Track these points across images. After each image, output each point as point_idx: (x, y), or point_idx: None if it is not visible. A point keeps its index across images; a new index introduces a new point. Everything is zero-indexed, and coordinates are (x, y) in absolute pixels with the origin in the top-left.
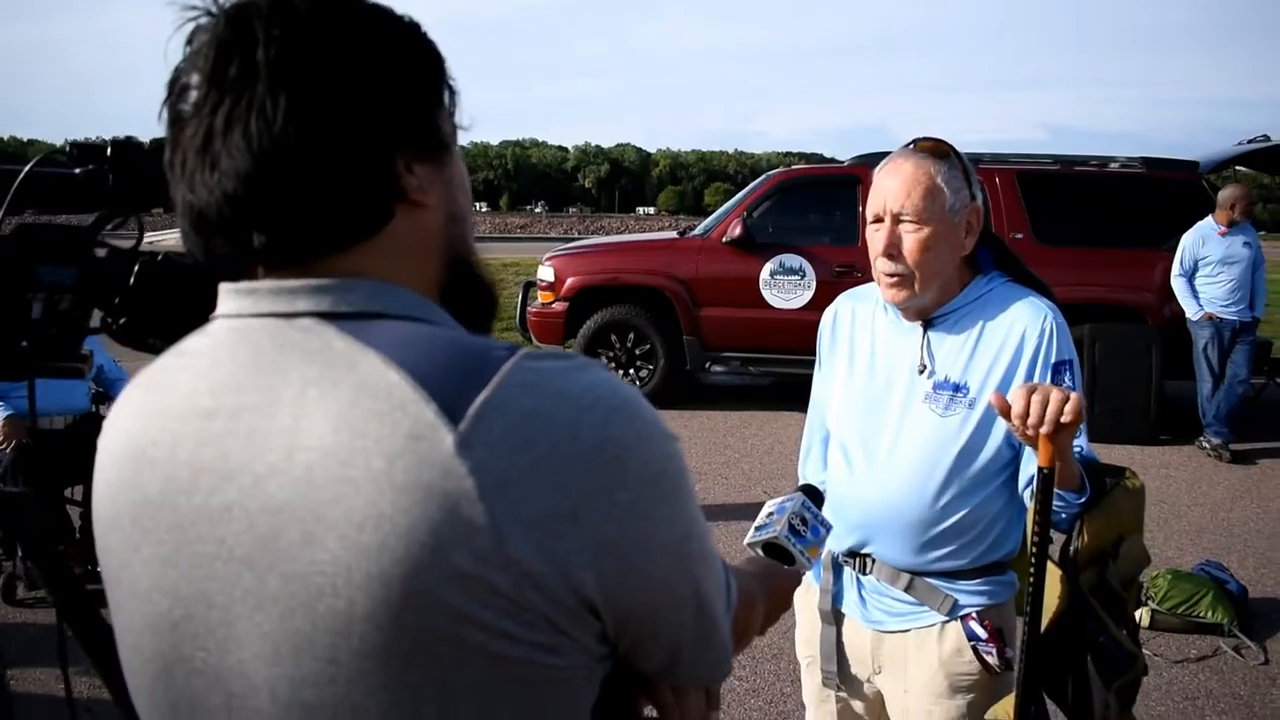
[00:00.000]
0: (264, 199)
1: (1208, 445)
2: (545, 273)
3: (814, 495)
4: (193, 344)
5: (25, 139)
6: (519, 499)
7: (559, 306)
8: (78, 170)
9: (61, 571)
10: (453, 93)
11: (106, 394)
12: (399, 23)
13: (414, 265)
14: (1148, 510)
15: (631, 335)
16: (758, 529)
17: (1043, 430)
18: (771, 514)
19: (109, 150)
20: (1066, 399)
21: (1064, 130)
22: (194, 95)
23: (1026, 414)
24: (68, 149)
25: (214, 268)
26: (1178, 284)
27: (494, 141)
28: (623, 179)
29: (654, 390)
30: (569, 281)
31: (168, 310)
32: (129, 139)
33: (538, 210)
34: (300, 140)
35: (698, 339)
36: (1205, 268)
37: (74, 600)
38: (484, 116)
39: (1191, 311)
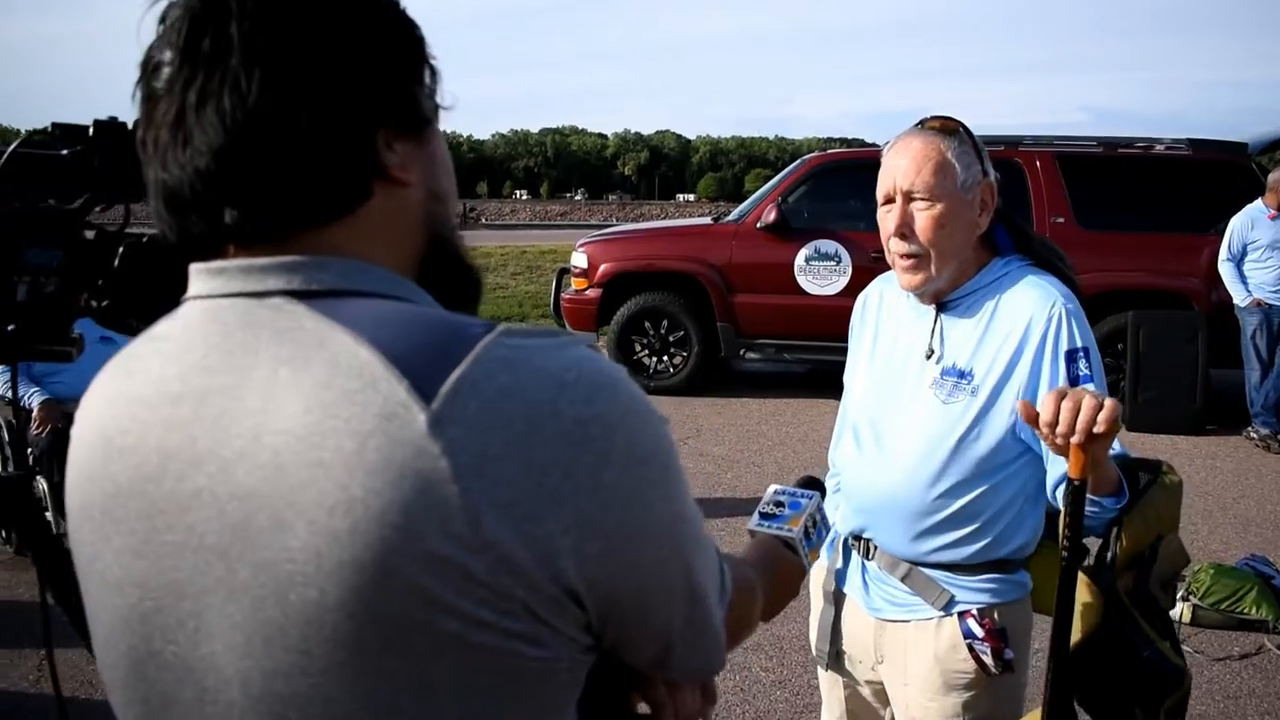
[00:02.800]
0: (237, 174)
1: (1255, 435)
2: (579, 259)
3: (822, 491)
4: (163, 328)
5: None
6: (496, 479)
7: (592, 293)
8: (65, 151)
9: (52, 555)
10: (433, 71)
11: None
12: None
13: (392, 244)
14: (1192, 502)
15: (665, 322)
16: (765, 517)
17: (1074, 440)
18: (781, 504)
19: (90, 131)
20: (1100, 406)
21: (1107, 113)
22: (166, 72)
23: (1056, 421)
24: (51, 128)
25: (186, 248)
26: (1225, 269)
27: (534, 129)
28: (662, 166)
29: (687, 377)
30: (602, 268)
31: (150, 292)
32: (112, 119)
33: (577, 197)
34: (275, 114)
35: (732, 325)
36: (1254, 252)
37: (67, 582)
38: (523, 104)
39: (1239, 297)
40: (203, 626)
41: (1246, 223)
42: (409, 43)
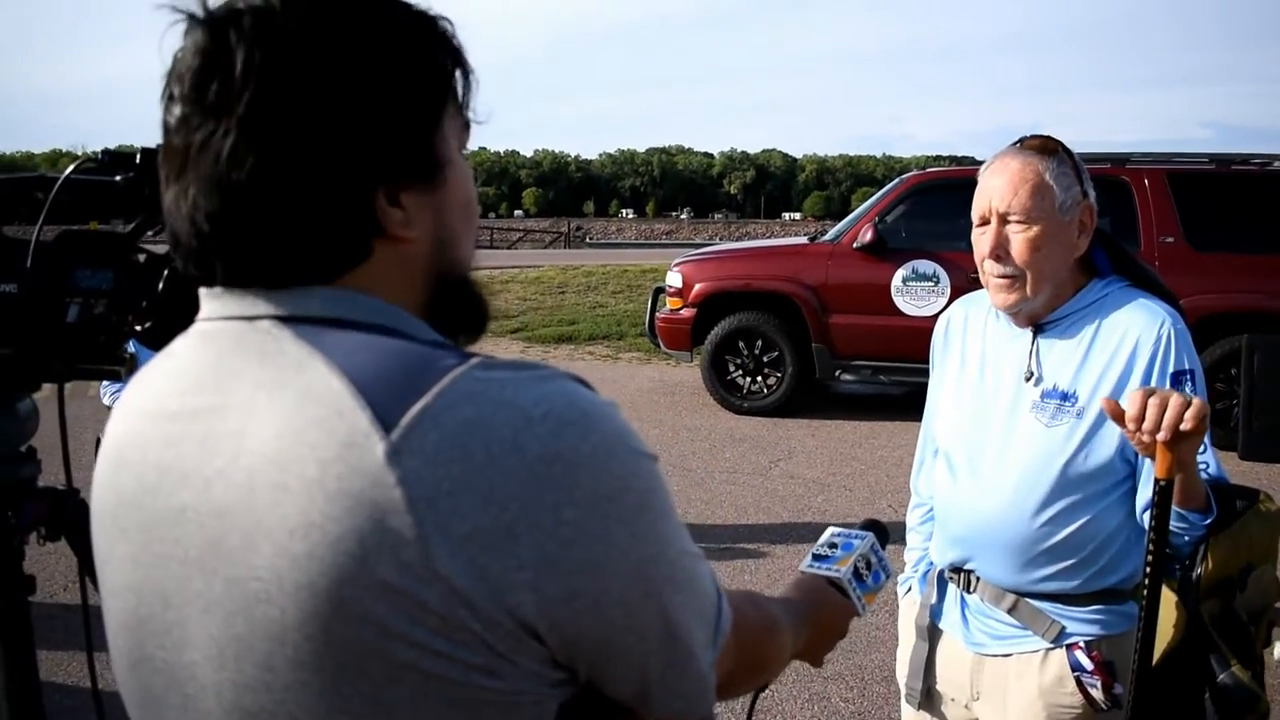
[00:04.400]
0: (228, 237)
1: None
2: (674, 279)
3: (880, 533)
4: (173, 346)
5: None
6: (450, 512)
7: (687, 313)
8: (118, 178)
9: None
10: (467, 86)
11: None
12: (401, 27)
13: (392, 287)
14: None
15: (759, 342)
16: (817, 558)
17: (1160, 437)
18: (834, 545)
19: (139, 158)
20: (1188, 404)
21: (1232, 129)
22: (177, 110)
23: (1142, 418)
24: (99, 154)
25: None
26: None
27: (640, 148)
28: (768, 184)
29: (781, 398)
30: (697, 287)
31: (191, 316)
32: (156, 147)
33: (683, 216)
34: (270, 183)
35: (827, 346)
36: None
37: None
38: (631, 123)
39: None
40: (185, 636)
41: None
42: (432, 82)
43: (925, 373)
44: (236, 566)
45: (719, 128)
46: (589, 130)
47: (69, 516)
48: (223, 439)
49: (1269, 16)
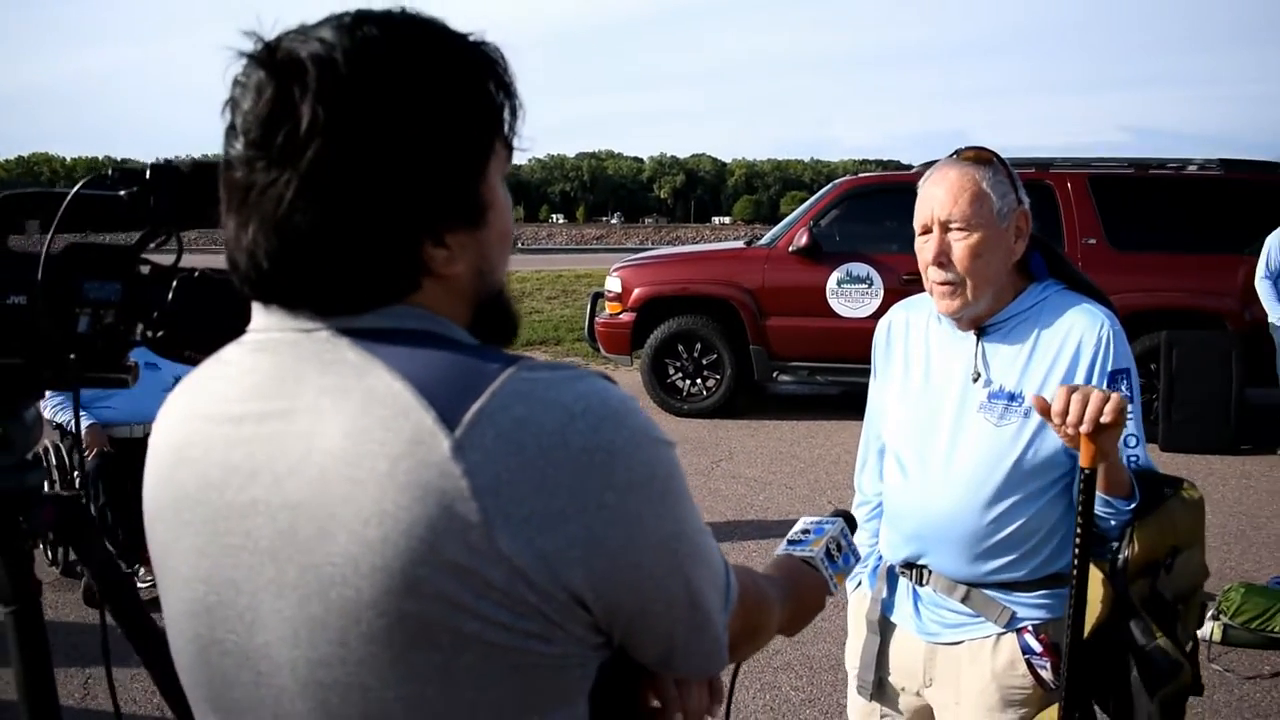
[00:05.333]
0: (287, 276)
1: None
2: (613, 284)
3: (850, 523)
4: (228, 354)
5: (119, 158)
6: (510, 499)
7: (626, 317)
8: (122, 192)
9: (112, 573)
10: (514, 117)
11: None
12: (453, 73)
13: (436, 308)
14: (1225, 522)
15: (698, 345)
16: (791, 543)
17: (1083, 429)
18: (808, 531)
19: (148, 174)
20: (1108, 399)
21: (1147, 132)
22: (240, 146)
23: (1066, 412)
24: (109, 171)
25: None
26: (1262, 286)
27: (570, 154)
28: (698, 189)
29: (721, 400)
30: (636, 292)
31: (202, 324)
32: (167, 162)
33: (613, 221)
34: (328, 231)
35: (764, 348)
36: None
37: (126, 602)
38: (560, 129)
39: (1275, 315)
40: (257, 619)
41: None
42: (481, 130)
43: (860, 373)
44: (311, 554)
45: (649, 133)
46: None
47: (75, 522)
48: (291, 440)
49: (1182, 24)
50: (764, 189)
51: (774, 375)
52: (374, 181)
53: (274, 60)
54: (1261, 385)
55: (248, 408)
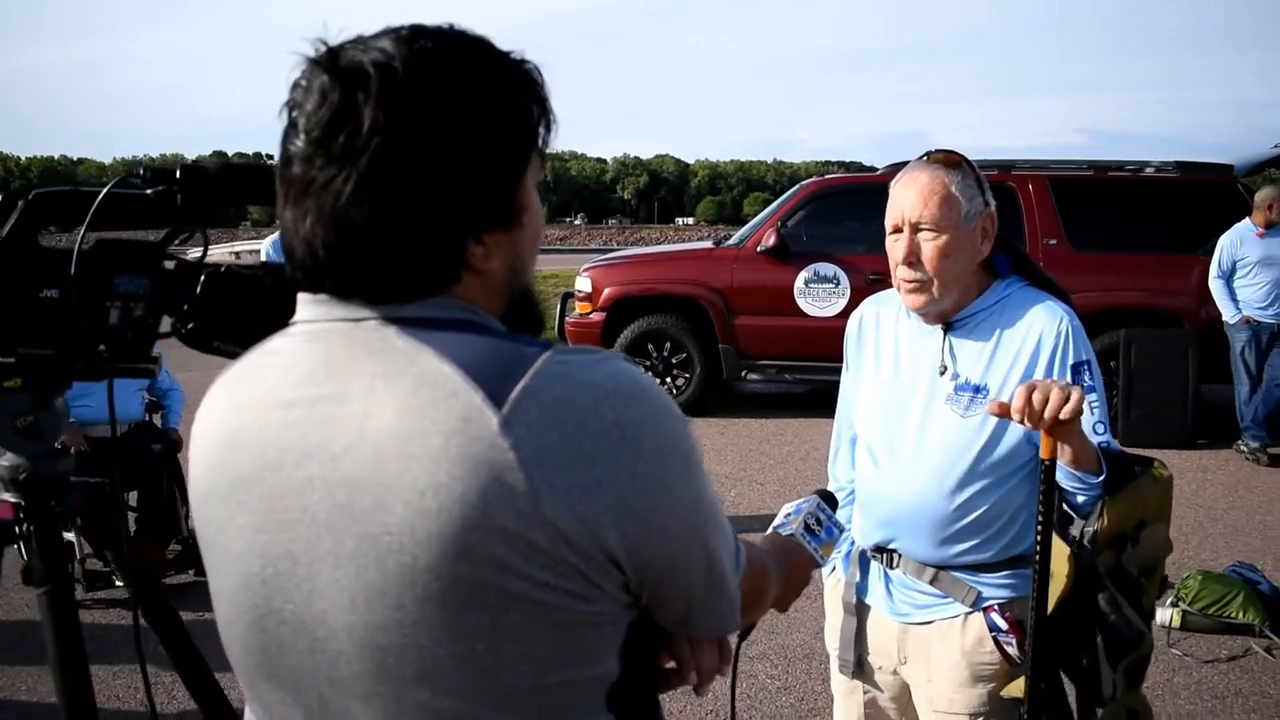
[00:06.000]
0: (341, 263)
1: (1245, 449)
2: (583, 284)
3: (830, 500)
4: (275, 344)
5: (75, 157)
6: (552, 469)
7: (596, 317)
8: (149, 191)
9: (138, 561)
10: (548, 131)
11: (159, 403)
12: (499, 89)
13: (474, 300)
14: (1183, 514)
15: (668, 344)
16: (775, 527)
17: (1043, 426)
18: (789, 514)
19: (178, 174)
20: (1066, 396)
21: (1103, 134)
22: (301, 143)
23: (1026, 409)
24: (142, 172)
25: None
26: (1216, 286)
27: None
28: (661, 190)
29: (690, 398)
30: (606, 292)
31: (230, 316)
32: (196, 163)
33: (577, 222)
34: (381, 225)
35: (733, 347)
36: (1243, 269)
37: (149, 588)
38: None
39: (1229, 314)
40: (315, 589)
41: (1235, 240)
42: (521, 142)
43: (829, 371)
44: (368, 525)
45: (612, 134)
46: None
47: (101, 507)
48: (345, 421)
49: (1139, 29)
50: (727, 190)
51: (743, 374)
52: (425, 181)
53: (338, 66)
54: (1217, 382)
55: (299, 393)
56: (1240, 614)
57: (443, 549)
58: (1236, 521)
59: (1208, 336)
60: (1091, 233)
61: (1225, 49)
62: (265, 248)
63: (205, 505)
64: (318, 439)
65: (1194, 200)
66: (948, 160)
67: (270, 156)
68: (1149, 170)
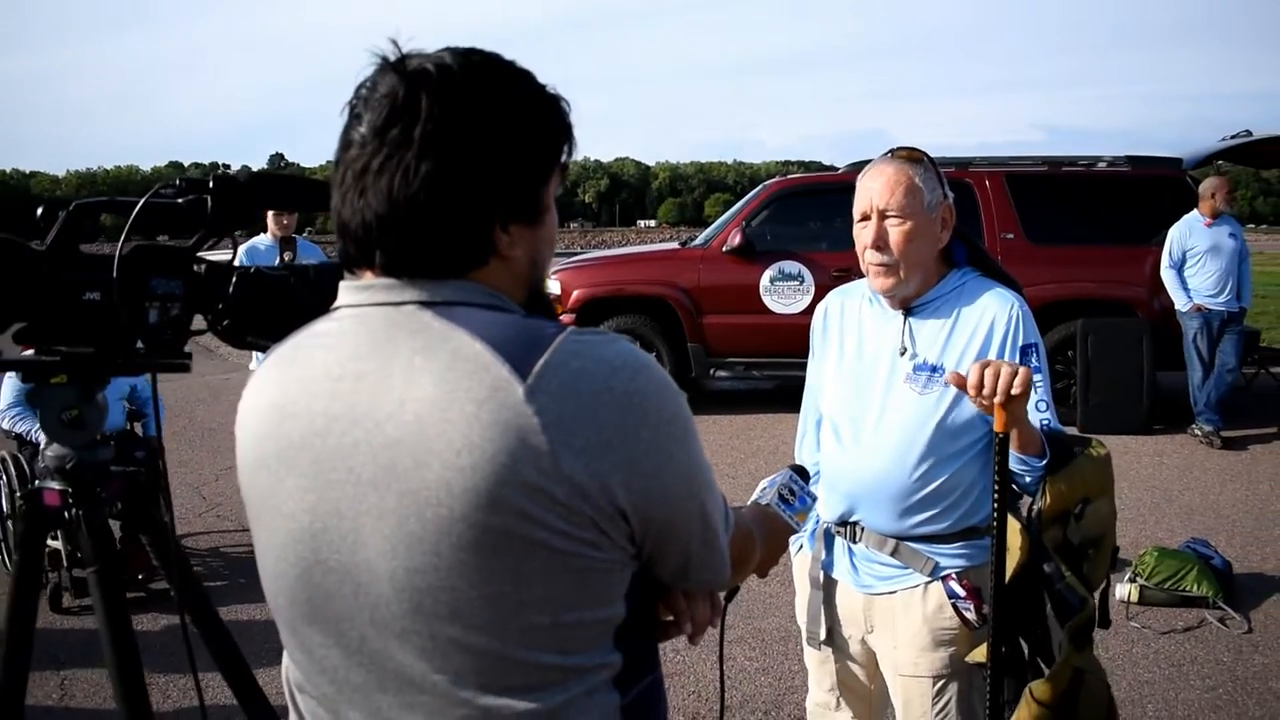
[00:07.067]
0: (391, 234)
1: (1199, 433)
2: (552, 286)
3: (802, 473)
4: (322, 327)
5: (27, 171)
6: (570, 432)
7: (566, 318)
8: (180, 200)
9: (173, 553)
10: (570, 152)
11: (139, 412)
12: (537, 107)
13: (499, 286)
14: (1140, 495)
15: (637, 344)
16: (753, 499)
17: (996, 400)
18: (764, 488)
19: (211, 183)
20: (1016, 373)
21: (1059, 130)
22: (362, 131)
23: (980, 385)
24: (179, 182)
25: (340, 264)
26: (1168, 275)
27: None
28: (623, 193)
29: None
30: (575, 294)
31: (260, 314)
32: (225, 172)
33: None
34: (427, 203)
35: (702, 346)
36: (1193, 259)
37: (190, 585)
38: None
39: (1181, 303)
40: (359, 539)
41: (1185, 231)
42: (551, 150)
43: (796, 366)
44: (409, 481)
45: None
46: None
47: (143, 494)
48: (388, 391)
49: (1091, 27)
50: (688, 191)
51: (711, 371)
52: (467, 168)
53: (406, 69)
54: (1171, 369)
55: (346, 368)
56: (1195, 587)
57: (475, 501)
58: (1191, 501)
59: (1161, 325)
60: (1047, 226)
61: (1176, 46)
62: (241, 254)
63: (255, 472)
64: (363, 408)
65: (1145, 193)
66: (911, 155)
67: (227, 166)
68: (1101, 165)
